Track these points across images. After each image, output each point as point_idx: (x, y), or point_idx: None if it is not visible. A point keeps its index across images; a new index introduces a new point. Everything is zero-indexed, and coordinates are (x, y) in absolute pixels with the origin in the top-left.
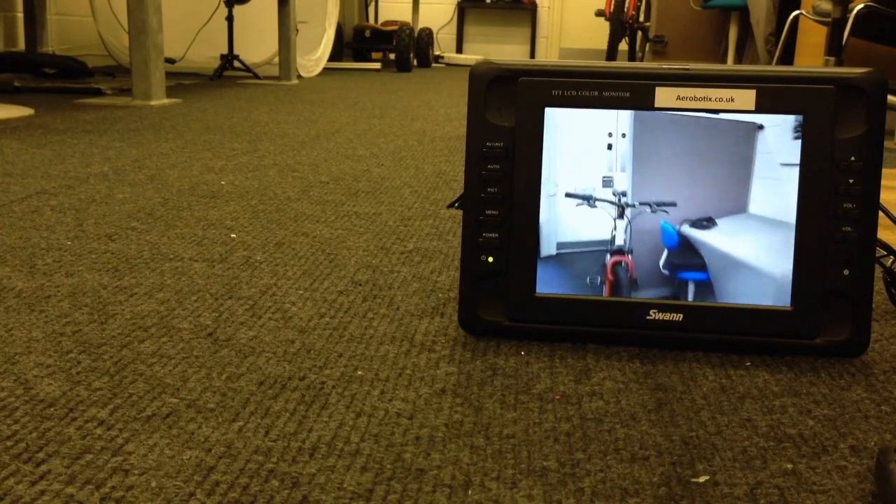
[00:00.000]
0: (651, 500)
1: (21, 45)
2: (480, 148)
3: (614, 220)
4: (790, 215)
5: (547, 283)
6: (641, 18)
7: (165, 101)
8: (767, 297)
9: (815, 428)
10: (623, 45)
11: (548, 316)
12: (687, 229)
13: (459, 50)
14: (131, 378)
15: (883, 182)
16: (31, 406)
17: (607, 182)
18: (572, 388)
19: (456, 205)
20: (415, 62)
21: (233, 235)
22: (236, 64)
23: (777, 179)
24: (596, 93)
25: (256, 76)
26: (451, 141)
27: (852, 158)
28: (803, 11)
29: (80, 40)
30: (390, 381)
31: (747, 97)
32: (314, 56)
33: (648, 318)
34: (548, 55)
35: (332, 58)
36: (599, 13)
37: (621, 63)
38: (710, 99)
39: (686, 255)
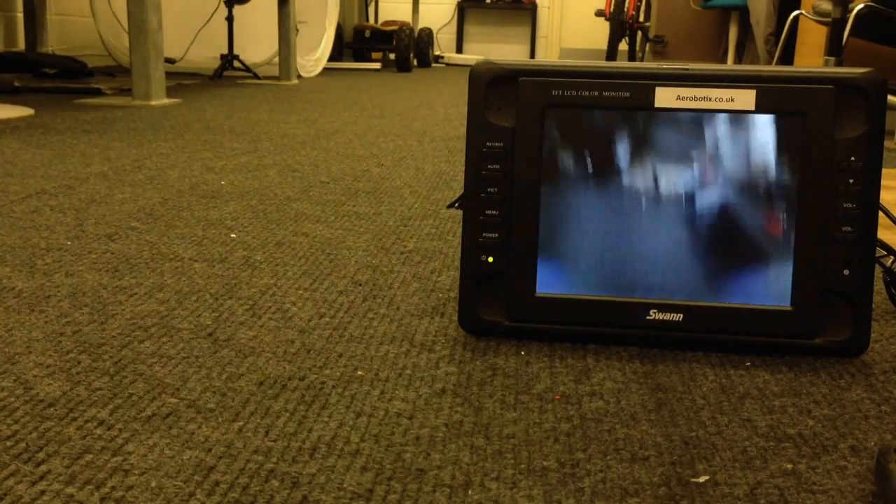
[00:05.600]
0: (651, 500)
1: (21, 45)
2: (480, 148)
3: None
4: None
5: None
6: (641, 18)
7: (165, 101)
8: (767, 297)
9: (815, 428)
10: (623, 45)
11: (548, 316)
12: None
13: (459, 50)
14: (131, 378)
15: (883, 182)
16: (31, 406)
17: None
18: (572, 388)
19: (456, 205)
20: (415, 62)
21: (233, 235)
22: (236, 64)
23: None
24: (596, 93)
25: (256, 76)
26: (451, 141)
27: (852, 158)
28: (803, 11)
29: (80, 40)
30: (390, 381)
31: (747, 97)
32: (314, 56)
33: (648, 318)
34: (548, 55)
35: (332, 58)
36: (599, 13)
37: (621, 63)
38: (710, 99)
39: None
